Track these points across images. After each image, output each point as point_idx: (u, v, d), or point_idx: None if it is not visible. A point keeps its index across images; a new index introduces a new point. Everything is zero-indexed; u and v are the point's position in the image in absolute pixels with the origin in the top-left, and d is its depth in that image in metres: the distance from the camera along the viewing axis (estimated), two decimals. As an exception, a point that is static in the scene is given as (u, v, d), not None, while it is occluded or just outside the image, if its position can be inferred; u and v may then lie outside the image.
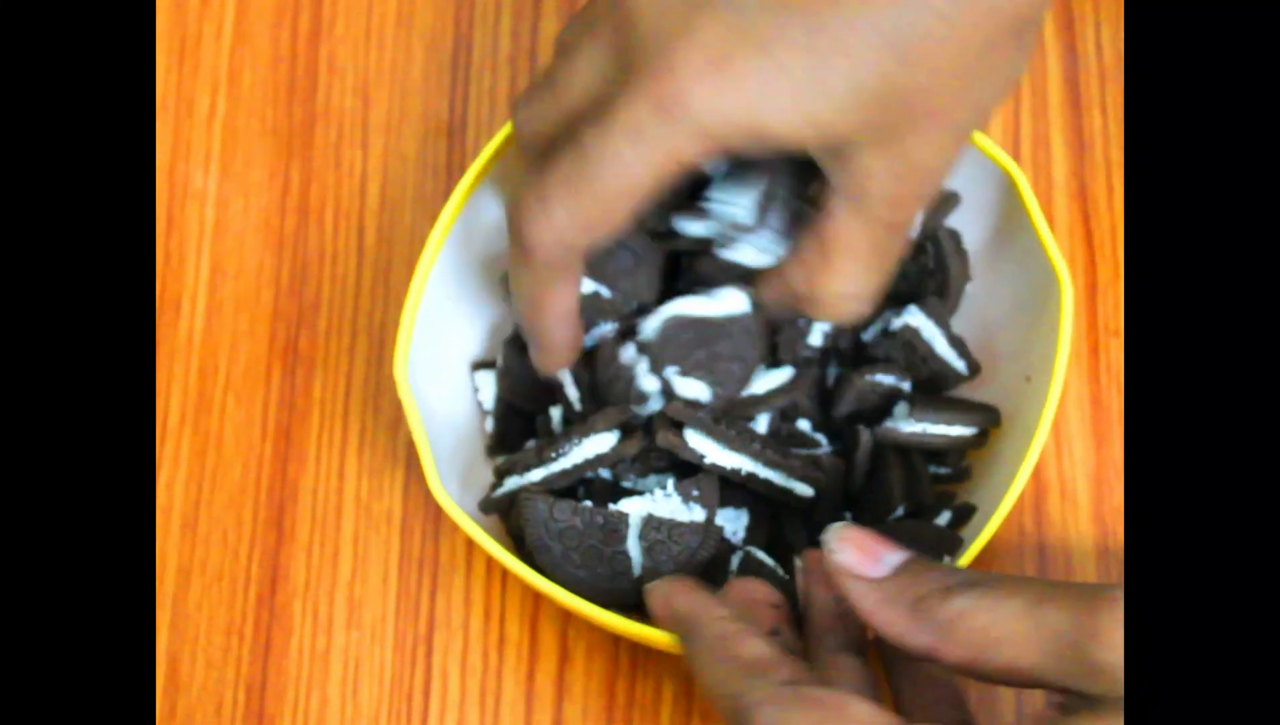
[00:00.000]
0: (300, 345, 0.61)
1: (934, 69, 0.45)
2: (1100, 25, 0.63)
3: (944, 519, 0.54)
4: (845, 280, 0.49)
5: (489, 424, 0.57)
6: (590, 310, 0.54)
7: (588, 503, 0.52)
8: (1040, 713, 0.43)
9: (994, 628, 0.43)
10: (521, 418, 0.57)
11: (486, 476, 0.56)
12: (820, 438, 0.56)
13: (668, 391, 0.53)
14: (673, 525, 0.52)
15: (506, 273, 0.55)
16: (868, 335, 0.57)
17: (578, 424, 0.53)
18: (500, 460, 0.56)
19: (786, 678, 0.44)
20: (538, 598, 0.57)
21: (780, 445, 0.54)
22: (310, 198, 0.63)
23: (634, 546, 0.52)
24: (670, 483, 0.52)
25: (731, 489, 0.53)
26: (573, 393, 0.55)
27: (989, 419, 0.55)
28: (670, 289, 0.55)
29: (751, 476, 0.53)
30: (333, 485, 0.59)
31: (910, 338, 0.55)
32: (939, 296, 0.56)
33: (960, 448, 0.55)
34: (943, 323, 0.55)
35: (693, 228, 0.53)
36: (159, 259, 0.62)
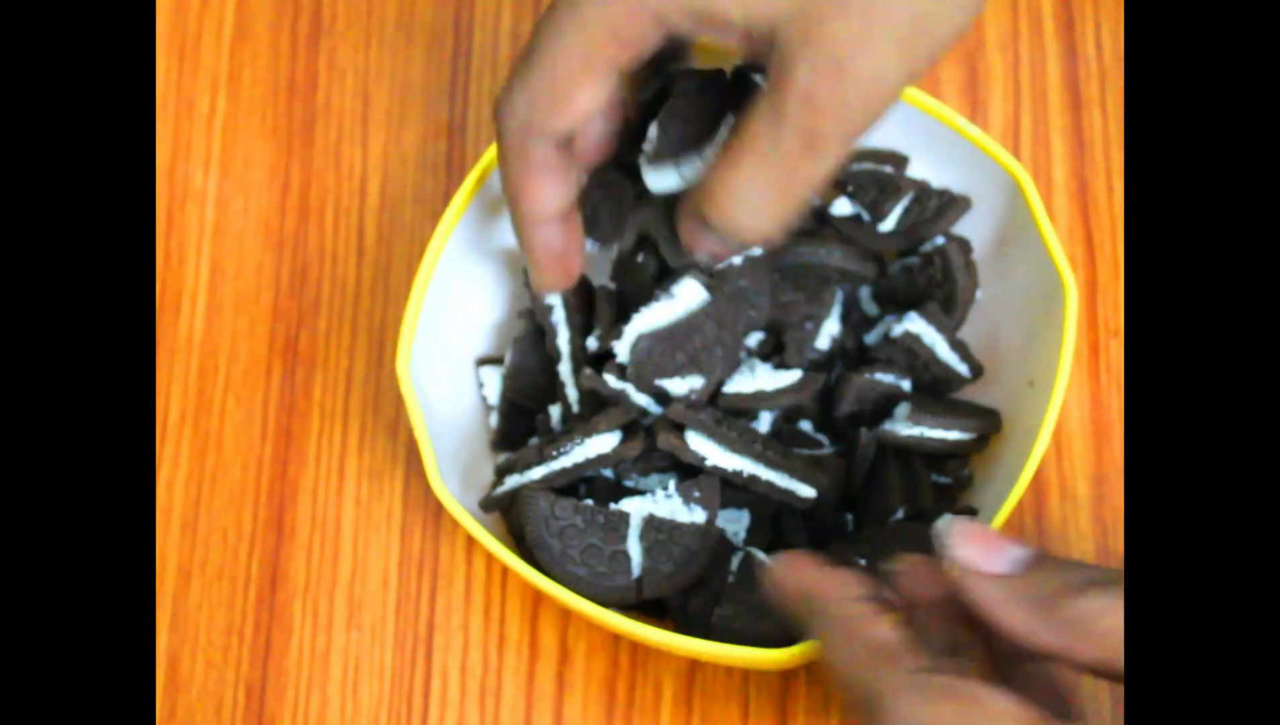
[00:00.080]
0: (300, 345, 0.61)
1: None
2: (1100, 25, 0.63)
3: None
4: (746, 183, 0.48)
5: (493, 419, 0.57)
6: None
7: (589, 501, 0.52)
8: None
9: None
10: (526, 416, 0.57)
11: (486, 476, 0.56)
12: (822, 438, 0.56)
13: (663, 395, 0.53)
14: (673, 527, 0.52)
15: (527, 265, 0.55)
16: (870, 338, 0.57)
17: (580, 423, 0.53)
18: (502, 458, 0.56)
19: (920, 665, 0.43)
20: (538, 598, 0.57)
21: (782, 445, 0.54)
22: (310, 198, 0.63)
23: (634, 546, 0.52)
24: (672, 483, 0.53)
25: (733, 490, 0.53)
26: (572, 393, 0.55)
27: (990, 424, 0.55)
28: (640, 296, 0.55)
29: (753, 478, 0.53)
30: (333, 485, 0.59)
31: (911, 343, 0.55)
32: (945, 310, 0.56)
33: (960, 451, 0.55)
34: (944, 328, 0.55)
35: (655, 181, 0.53)
36: (159, 259, 0.62)
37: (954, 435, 0.54)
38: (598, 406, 0.54)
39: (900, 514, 0.54)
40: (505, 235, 0.58)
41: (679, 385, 0.53)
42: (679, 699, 0.56)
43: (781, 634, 0.51)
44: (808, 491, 0.53)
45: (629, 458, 0.53)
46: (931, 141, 0.56)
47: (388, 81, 0.64)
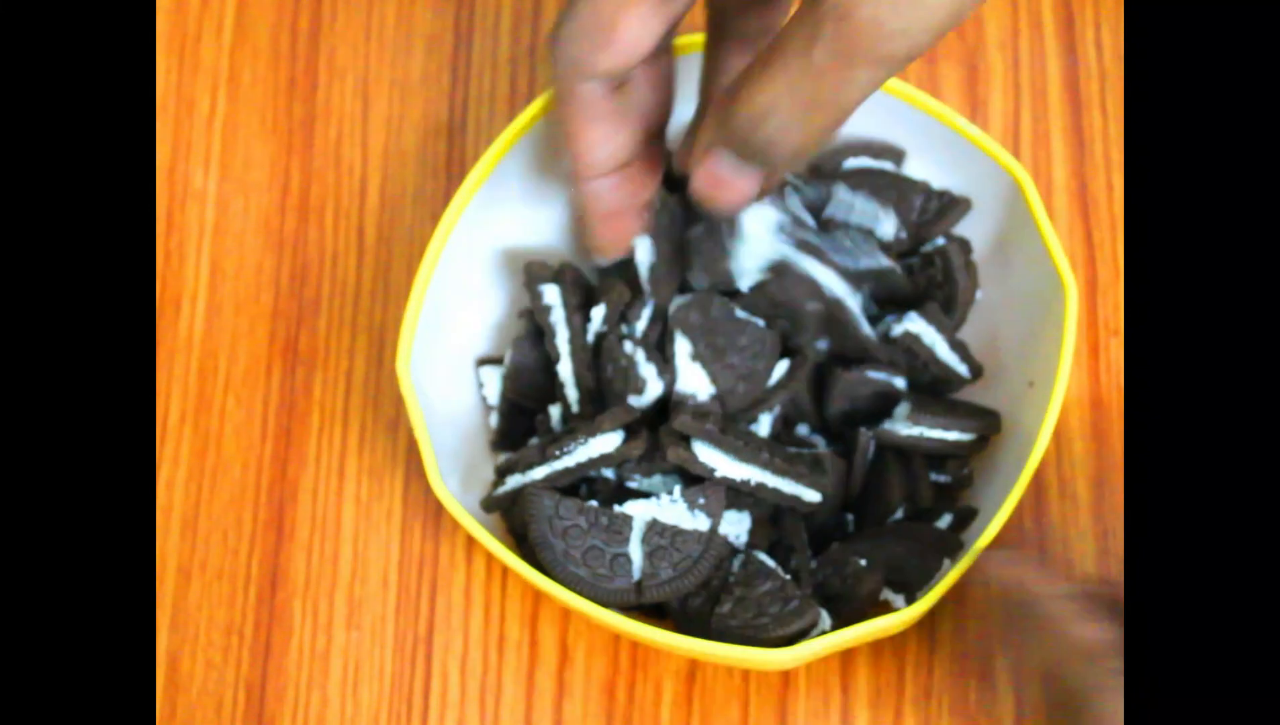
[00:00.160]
0: (300, 345, 0.61)
1: None
2: (1100, 25, 0.63)
3: (945, 522, 0.54)
4: (776, 94, 0.45)
5: (493, 419, 0.57)
6: None
7: (593, 502, 0.52)
8: None
9: None
10: (526, 416, 0.57)
11: (487, 476, 0.56)
12: (818, 440, 0.56)
13: (668, 378, 0.53)
14: (676, 532, 0.52)
15: (526, 265, 0.55)
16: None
17: (583, 423, 0.53)
18: (502, 458, 0.56)
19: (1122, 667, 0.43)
20: (538, 598, 0.57)
21: (782, 448, 0.54)
22: (310, 198, 0.63)
23: (636, 549, 0.52)
24: (677, 489, 0.52)
25: (737, 493, 0.53)
26: (572, 393, 0.55)
27: (989, 425, 0.55)
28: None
29: (761, 486, 0.53)
30: (333, 485, 0.59)
31: (911, 344, 0.55)
32: (945, 310, 0.56)
33: (960, 452, 0.55)
34: (944, 328, 0.55)
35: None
36: (159, 259, 0.62)
37: (954, 435, 0.54)
38: (597, 407, 0.54)
39: (900, 514, 0.54)
40: (505, 235, 0.58)
41: (690, 372, 0.53)
42: (679, 699, 0.56)
43: (782, 634, 0.51)
44: (813, 496, 0.53)
45: (632, 457, 0.53)
46: (931, 141, 0.56)
47: (388, 81, 0.64)
